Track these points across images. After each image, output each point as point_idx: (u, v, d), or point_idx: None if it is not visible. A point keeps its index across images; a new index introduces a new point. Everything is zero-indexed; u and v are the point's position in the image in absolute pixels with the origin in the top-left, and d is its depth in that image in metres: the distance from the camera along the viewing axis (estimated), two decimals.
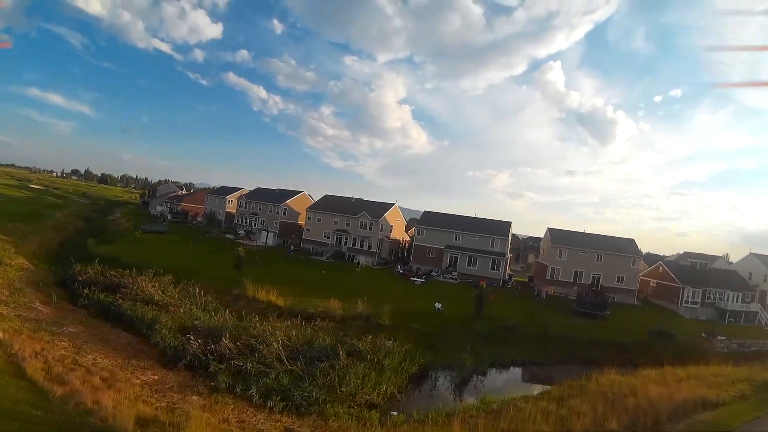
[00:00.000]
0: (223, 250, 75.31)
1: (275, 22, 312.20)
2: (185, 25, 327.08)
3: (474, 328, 44.53)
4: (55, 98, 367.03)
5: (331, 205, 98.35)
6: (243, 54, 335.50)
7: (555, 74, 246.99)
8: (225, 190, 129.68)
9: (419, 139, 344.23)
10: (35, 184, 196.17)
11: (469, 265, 78.91)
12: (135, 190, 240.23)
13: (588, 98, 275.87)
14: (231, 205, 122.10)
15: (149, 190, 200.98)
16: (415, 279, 71.61)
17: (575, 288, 73.57)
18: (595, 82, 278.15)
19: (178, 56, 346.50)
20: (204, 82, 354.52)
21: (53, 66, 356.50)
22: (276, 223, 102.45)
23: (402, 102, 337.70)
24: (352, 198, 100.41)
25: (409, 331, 40.81)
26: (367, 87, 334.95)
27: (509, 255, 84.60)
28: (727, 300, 71.49)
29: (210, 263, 63.79)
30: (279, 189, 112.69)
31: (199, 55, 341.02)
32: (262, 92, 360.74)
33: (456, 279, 75.43)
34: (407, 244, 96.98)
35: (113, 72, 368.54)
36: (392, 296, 53.83)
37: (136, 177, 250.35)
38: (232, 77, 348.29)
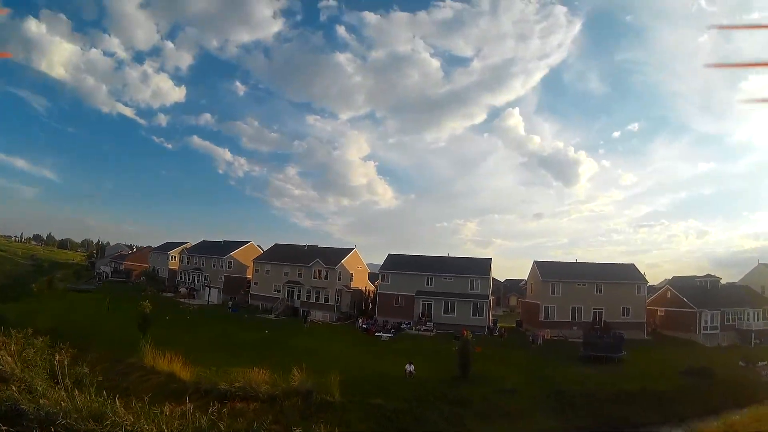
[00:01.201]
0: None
1: (237, 84, 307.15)
2: (148, 89, 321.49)
3: (461, 398, 31.82)
4: (19, 162, 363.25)
5: (280, 254, 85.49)
6: (207, 117, 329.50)
7: (514, 120, 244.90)
8: (169, 246, 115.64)
9: (385, 195, 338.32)
10: None
11: (446, 312, 66.58)
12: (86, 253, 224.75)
13: (549, 141, 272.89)
14: (174, 261, 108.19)
15: (97, 251, 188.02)
16: (381, 334, 58.80)
17: (575, 328, 62.02)
18: (554, 125, 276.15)
19: (142, 121, 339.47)
20: (169, 146, 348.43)
21: (17, 130, 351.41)
22: (220, 278, 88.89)
23: (366, 158, 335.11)
24: (305, 245, 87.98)
25: (368, 410, 27.91)
26: (330, 145, 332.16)
27: (491, 298, 72.79)
28: (749, 319, 61.50)
29: (121, 324, 50.29)
30: (224, 241, 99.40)
31: (162, 119, 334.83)
32: (227, 155, 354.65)
33: (432, 330, 62.84)
34: (372, 295, 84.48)
35: (77, 136, 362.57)
36: (350, 359, 41.48)
37: (98, 242, 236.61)
38: (196, 140, 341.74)
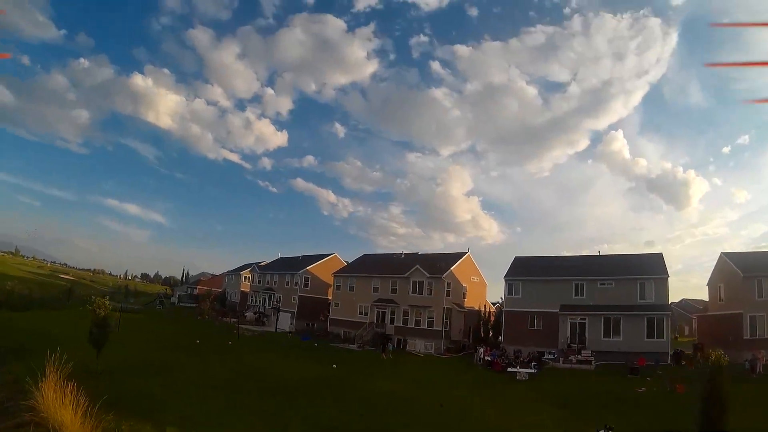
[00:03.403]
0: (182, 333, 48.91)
1: (337, 125, 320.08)
2: (252, 135, 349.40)
3: None
4: (132, 208, 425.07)
5: (369, 265, 69.17)
6: (309, 159, 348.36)
7: (618, 144, 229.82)
8: (245, 267, 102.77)
9: (491, 230, 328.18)
10: (70, 275, 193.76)
11: (607, 334, 46.66)
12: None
13: (655, 163, 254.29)
14: (247, 282, 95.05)
15: (182, 278, 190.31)
16: (517, 370, 39.48)
17: None
18: (659, 145, 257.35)
19: (247, 165, 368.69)
20: (274, 189, 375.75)
21: (129, 178, 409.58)
22: (294, 299, 73.50)
23: (469, 193, 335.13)
24: (401, 253, 70.93)
25: None
26: (433, 182, 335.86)
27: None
28: None
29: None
30: (303, 255, 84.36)
31: (267, 163, 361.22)
32: (331, 196, 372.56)
33: (591, 362, 43.08)
34: (492, 317, 65.48)
35: (186, 182, 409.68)
36: (474, 415, 23.65)
37: (183, 271, 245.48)
38: (300, 183, 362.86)
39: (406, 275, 59.36)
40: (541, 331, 50.61)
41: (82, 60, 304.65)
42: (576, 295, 50.29)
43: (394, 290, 61.21)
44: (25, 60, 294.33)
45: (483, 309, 65.61)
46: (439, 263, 59.84)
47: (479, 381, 36.79)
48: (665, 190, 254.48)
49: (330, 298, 72.37)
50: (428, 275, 57.38)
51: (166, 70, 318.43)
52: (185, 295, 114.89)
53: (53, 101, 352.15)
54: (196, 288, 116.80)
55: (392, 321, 59.65)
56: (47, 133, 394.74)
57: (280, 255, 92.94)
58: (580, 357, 44.14)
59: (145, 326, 56.01)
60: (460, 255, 63.58)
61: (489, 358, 45.50)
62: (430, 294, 57.32)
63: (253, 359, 38.06)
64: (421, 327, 57.07)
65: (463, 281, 61.52)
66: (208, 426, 17.55)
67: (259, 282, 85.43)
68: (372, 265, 68.89)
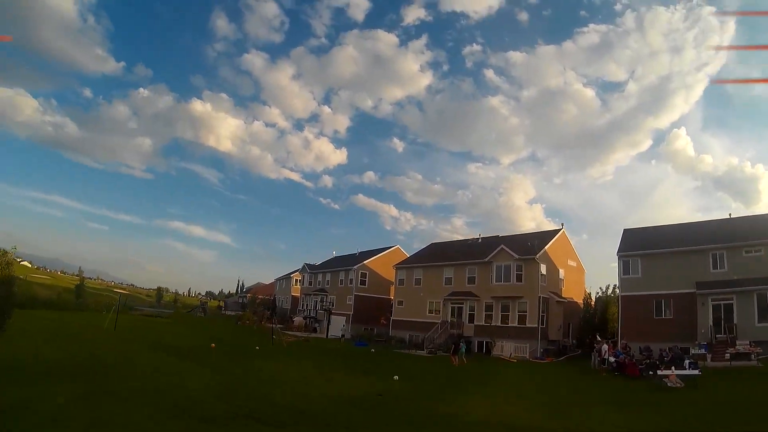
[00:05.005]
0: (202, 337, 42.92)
1: (396, 140, 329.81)
2: (311, 154, 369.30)
3: None
4: (197, 230, 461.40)
5: (439, 253, 60.30)
6: (369, 175, 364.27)
7: (682, 141, 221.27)
8: (297, 271, 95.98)
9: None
10: (124, 290, 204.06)
11: (762, 318, 35.83)
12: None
13: (721, 159, 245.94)
14: (298, 286, 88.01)
15: (237, 289, 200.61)
16: (670, 373, 28.03)
17: None
18: (724, 141, 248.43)
19: (308, 183, 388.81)
20: (336, 206, 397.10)
21: (193, 201, 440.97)
22: (349, 300, 65.30)
23: (532, 201, 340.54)
24: (478, 236, 61.65)
25: None
26: (495, 192, 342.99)
27: None
28: None
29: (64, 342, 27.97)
30: (360, 251, 76.23)
31: (327, 180, 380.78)
32: (393, 210, 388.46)
33: (751, 356, 32.47)
34: (593, 307, 55.21)
35: (249, 203, 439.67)
36: None
37: (238, 282, 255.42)
38: (361, 199, 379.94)
39: (487, 259, 50.15)
40: (672, 320, 40.46)
41: (141, 90, 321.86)
42: (715, 268, 39.79)
43: (471, 280, 52.15)
44: (88, 92, 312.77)
45: (587, 300, 55.39)
46: (531, 242, 50.09)
47: (616, 393, 26.53)
48: (733, 187, 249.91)
49: (392, 297, 63.67)
50: (517, 257, 47.81)
51: (224, 95, 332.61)
52: (234, 303, 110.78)
53: (116, 130, 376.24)
54: (246, 296, 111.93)
55: (471, 319, 50.59)
56: (112, 161, 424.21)
57: (334, 254, 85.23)
58: (736, 350, 33.73)
59: (156, 327, 49.82)
60: (553, 233, 53.93)
61: (613, 359, 35.36)
62: (520, 281, 47.75)
63: (274, 369, 29.29)
64: (510, 324, 47.68)
65: (559, 264, 51.64)
66: None
67: (310, 283, 78.33)
68: (442, 253, 60.04)
